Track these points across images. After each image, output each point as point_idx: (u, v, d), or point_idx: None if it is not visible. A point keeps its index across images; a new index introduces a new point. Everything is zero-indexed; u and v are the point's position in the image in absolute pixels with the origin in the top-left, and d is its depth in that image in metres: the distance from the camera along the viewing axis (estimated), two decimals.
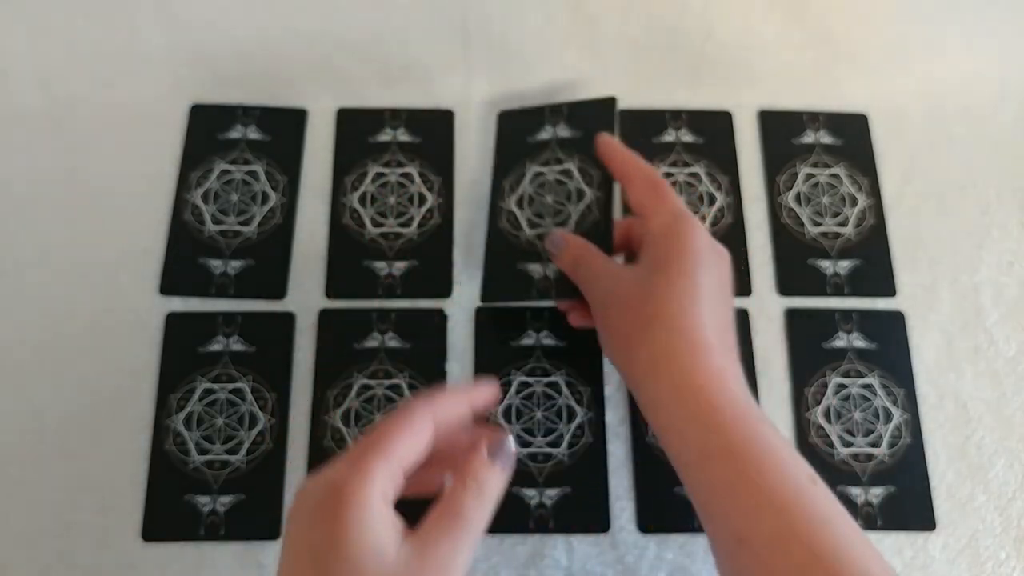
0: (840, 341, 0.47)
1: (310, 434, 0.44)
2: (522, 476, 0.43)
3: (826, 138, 0.52)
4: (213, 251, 0.48)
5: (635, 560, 0.42)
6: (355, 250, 0.48)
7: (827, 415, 0.45)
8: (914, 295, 0.48)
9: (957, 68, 0.53)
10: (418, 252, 0.48)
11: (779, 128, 0.52)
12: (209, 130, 0.50)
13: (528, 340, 0.46)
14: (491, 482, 0.32)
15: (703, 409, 0.34)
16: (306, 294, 0.47)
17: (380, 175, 0.50)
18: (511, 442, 0.33)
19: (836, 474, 0.44)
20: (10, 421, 0.44)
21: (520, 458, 0.44)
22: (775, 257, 0.49)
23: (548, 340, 0.46)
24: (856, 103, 0.52)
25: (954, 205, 0.50)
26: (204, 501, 0.43)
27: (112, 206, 0.48)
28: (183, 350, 0.45)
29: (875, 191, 0.50)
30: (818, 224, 0.49)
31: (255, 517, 0.42)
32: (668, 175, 0.50)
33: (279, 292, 0.47)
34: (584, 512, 0.43)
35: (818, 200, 0.50)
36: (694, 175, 0.50)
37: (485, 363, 0.46)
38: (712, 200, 0.50)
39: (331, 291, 0.47)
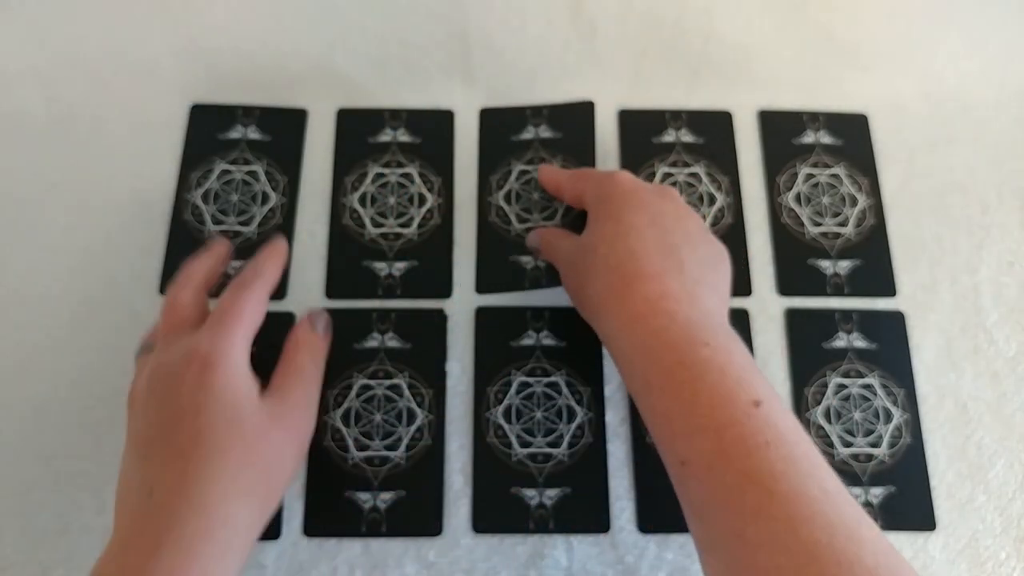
0: (840, 341, 0.47)
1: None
2: (522, 476, 0.43)
3: (826, 138, 0.52)
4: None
5: (635, 560, 0.42)
6: (355, 250, 0.48)
7: (827, 415, 0.45)
8: (914, 295, 0.48)
9: (957, 68, 0.53)
10: (418, 252, 0.48)
11: (779, 128, 0.52)
12: (209, 130, 0.50)
13: (528, 340, 0.46)
14: (319, 345, 0.42)
15: (641, 338, 0.35)
16: (306, 294, 0.47)
17: (380, 175, 0.50)
18: (325, 314, 0.43)
19: (836, 474, 0.44)
20: (10, 421, 0.44)
21: (520, 458, 0.44)
22: (775, 257, 0.49)
23: (548, 340, 0.46)
24: (856, 103, 0.52)
25: (954, 205, 0.50)
26: None
27: (112, 206, 0.48)
28: None
29: (875, 191, 0.50)
30: (818, 224, 0.49)
31: None
32: (668, 175, 0.50)
33: (279, 292, 0.47)
34: (584, 512, 0.43)
35: (818, 200, 0.50)
36: (694, 175, 0.50)
37: (485, 363, 0.46)
38: (712, 200, 0.50)
39: (331, 291, 0.47)
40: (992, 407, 0.46)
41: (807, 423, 0.45)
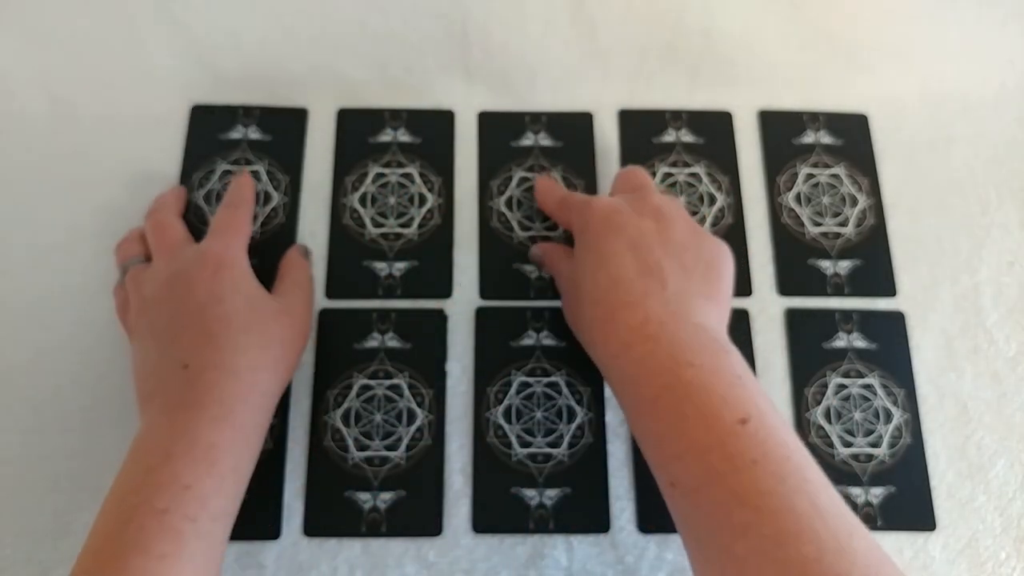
0: (840, 341, 0.47)
1: (310, 434, 0.44)
2: (522, 476, 0.43)
3: (826, 138, 0.52)
4: None
5: (635, 560, 0.42)
6: (355, 250, 0.48)
7: (827, 415, 0.45)
8: (914, 295, 0.48)
9: (957, 68, 0.53)
10: (418, 252, 0.48)
11: (779, 128, 0.52)
12: (210, 131, 0.50)
13: (528, 340, 0.46)
14: (306, 267, 0.46)
15: (628, 367, 0.36)
16: None
17: (380, 175, 0.50)
18: (305, 245, 0.48)
19: (836, 474, 0.44)
20: (10, 421, 0.44)
21: (520, 458, 0.44)
22: (775, 257, 0.49)
23: (548, 340, 0.46)
24: (856, 103, 0.52)
25: (954, 205, 0.50)
26: None
27: (115, 208, 0.48)
28: None
29: (875, 191, 0.50)
30: (818, 224, 0.49)
31: (255, 516, 0.42)
32: (668, 175, 0.50)
33: None
34: (584, 512, 0.43)
35: (818, 200, 0.50)
36: (694, 175, 0.50)
37: (485, 363, 0.46)
38: (712, 200, 0.50)
39: (331, 291, 0.47)
40: (992, 407, 0.46)
41: (807, 423, 0.45)
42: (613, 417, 0.45)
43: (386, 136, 0.51)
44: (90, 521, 0.42)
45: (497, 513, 0.43)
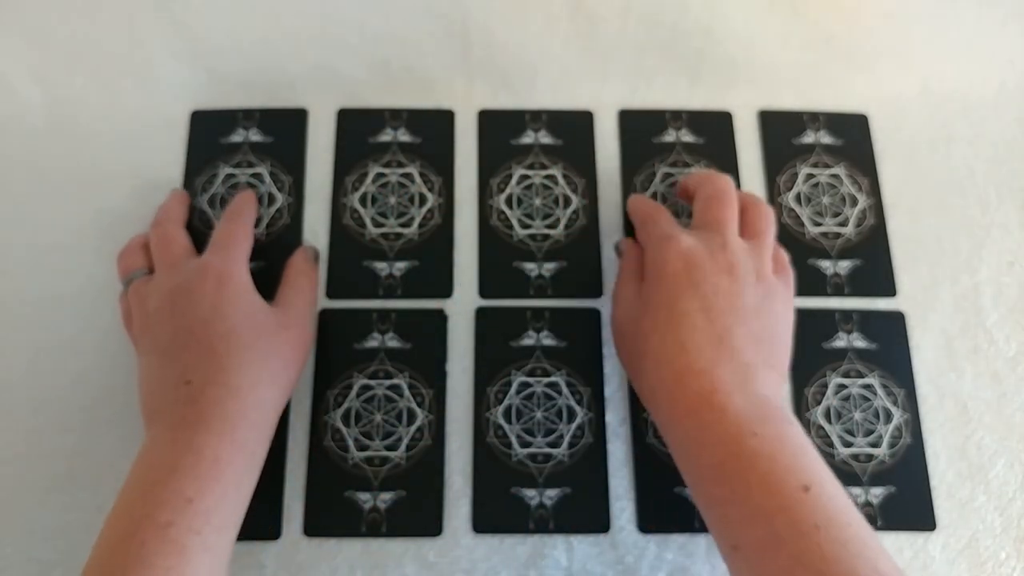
0: (840, 341, 0.47)
1: (310, 434, 0.44)
2: (522, 476, 0.43)
3: (826, 138, 0.52)
4: None
5: (635, 560, 0.42)
6: (356, 250, 0.48)
7: (827, 415, 0.45)
8: (914, 295, 0.48)
9: (957, 68, 0.53)
10: (418, 252, 0.48)
11: (779, 128, 0.52)
12: (211, 135, 0.50)
13: (528, 340, 0.46)
14: (312, 272, 0.46)
15: (693, 432, 0.36)
16: None
17: (381, 175, 0.50)
18: (314, 247, 0.48)
19: (836, 474, 0.44)
20: (11, 421, 0.44)
21: (520, 458, 0.44)
22: None
23: (548, 340, 0.46)
24: (856, 103, 0.52)
25: (954, 205, 0.50)
26: None
27: (115, 210, 0.48)
28: None
29: (875, 191, 0.50)
30: (818, 224, 0.49)
31: (255, 516, 0.42)
32: (668, 175, 0.50)
33: None
34: (584, 512, 0.43)
35: (818, 200, 0.50)
36: (681, 180, 0.50)
37: (485, 363, 0.46)
38: None
39: (332, 291, 0.47)
40: (992, 407, 0.46)
41: (807, 423, 0.45)
42: (613, 417, 0.45)
43: (386, 136, 0.51)
44: (90, 521, 0.42)
45: (497, 513, 0.43)
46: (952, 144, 0.52)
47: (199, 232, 0.48)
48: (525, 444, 0.44)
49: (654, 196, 0.50)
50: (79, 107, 0.50)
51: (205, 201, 0.49)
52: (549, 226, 0.49)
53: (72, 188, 0.49)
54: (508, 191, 0.49)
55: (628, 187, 0.50)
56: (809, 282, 0.48)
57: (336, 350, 0.46)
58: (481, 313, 0.47)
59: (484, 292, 0.47)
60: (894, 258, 0.49)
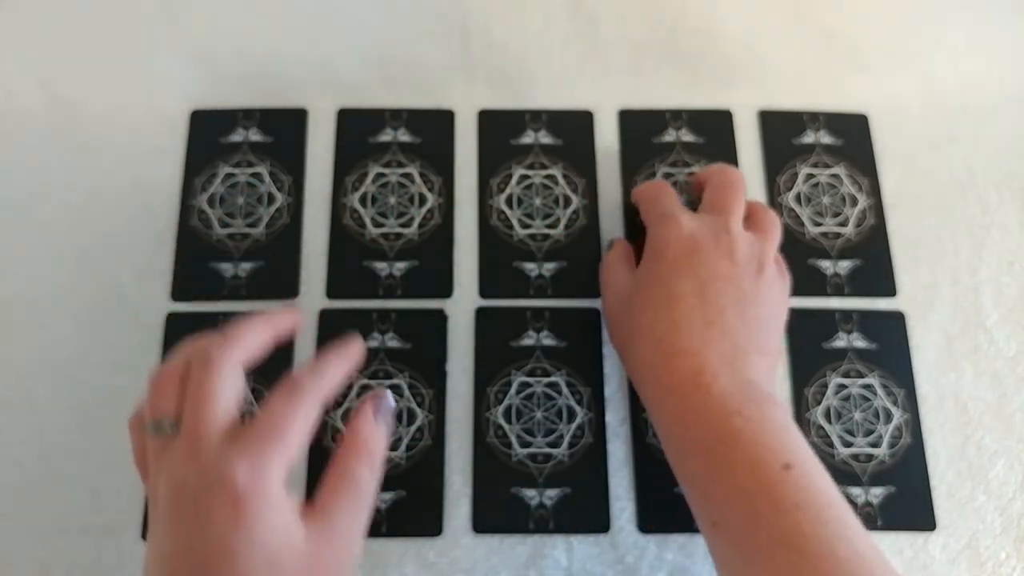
0: (840, 341, 0.47)
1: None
2: (522, 476, 0.43)
3: (826, 138, 0.52)
4: (223, 255, 0.48)
5: (635, 560, 0.42)
6: (356, 250, 0.48)
7: (827, 415, 0.45)
8: (914, 295, 0.48)
9: (957, 68, 0.53)
10: (418, 252, 0.48)
11: (779, 128, 0.52)
12: (210, 134, 0.50)
13: (528, 340, 0.46)
14: (379, 445, 0.34)
15: (677, 410, 0.37)
16: (307, 294, 0.47)
17: (381, 175, 0.50)
18: (390, 398, 0.36)
19: (836, 474, 0.43)
20: (11, 421, 0.44)
21: (520, 458, 0.44)
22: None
23: (548, 340, 0.46)
24: (856, 103, 0.52)
25: (954, 205, 0.50)
26: None
27: (115, 211, 0.48)
28: None
29: (875, 191, 0.50)
30: (818, 224, 0.49)
31: None
32: (668, 175, 0.50)
33: (291, 291, 0.47)
34: (584, 512, 0.43)
35: (818, 200, 0.50)
36: (694, 175, 0.50)
37: (485, 363, 0.46)
38: None
39: (331, 291, 0.47)
40: (992, 407, 0.46)
41: (807, 423, 0.45)
42: (613, 417, 0.45)
43: (386, 136, 0.51)
44: (90, 521, 0.42)
45: (497, 513, 0.43)
46: (952, 144, 0.52)
47: (203, 235, 0.48)
48: (525, 444, 0.44)
49: None
50: (79, 107, 0.50)
51: (204, 201, 0.49)
52: (549, 226, 0.49)
53: (72, 188, 0.49)
54: (508, 191, 0.49)
55: (628, 187, 0.50)
56: (809, 282, 0.48)
57: None
58: (481, 313, 0.47)
59: (484, 292, 0.47)
60: (894, 258, 0.49)
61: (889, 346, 0.47)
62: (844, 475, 0.44)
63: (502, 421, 0.44)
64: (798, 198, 0.50)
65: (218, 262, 0.47)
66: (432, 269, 0.48)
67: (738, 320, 0.38)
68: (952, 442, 0.45)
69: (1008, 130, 0.52)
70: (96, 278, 0.47)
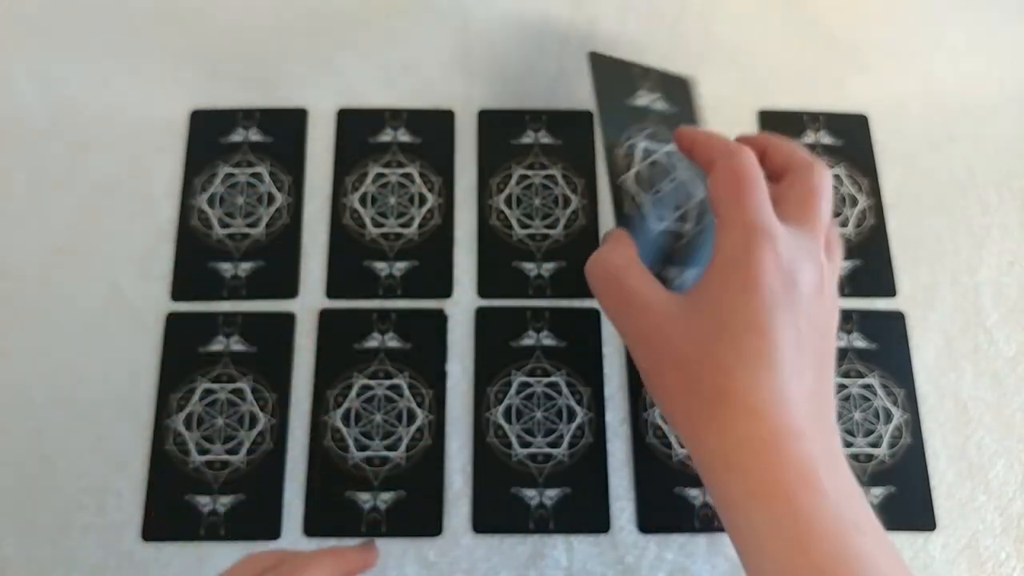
0: (840, 341, 0.47)
1: (310, 434, 0.44)
2: (522, 476, 0.43)
3: (826, 138, 0.52)
4: (222, 255, 0.48)
5: (635, 560, 0.42)
6: (355, 250, 0.48)
7: None
8: (914, 295, 0.48)
9: (957, 68, 0.53)
10: (418, 252, 0.48)
11: (779, 128, 0.52)
12: (210, 134, 0.50)
13: (528, 340, 0.46)
14: None
15: (787, 517, 0.28)
16: (306, 294, 0.47)
17: (380, 175, 0.50)
18: (373, 550, 0.36)
19: None
20: (11, 421, 0.44)
21: (520, 458, 0.44)
22: None
23: (548, 340, 0.46)
24: (856, 103, 0.52)
25: (954, 205, 0.50)
26: (204, 501, 0.43)
27: (115, 211, 0.48)
28: (183, 350, 0.45)
29: (875, 191, 0.50)
30: None
31: (255, 517, 0.43)
32: None
33: (291, 291, 0.47)
34: (584, 512, 0.43)
35: None
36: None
37: (485, 363, 0.46)
38: None
39: (331, 291, 0.47)
40: (992, 407, 0.46)
41: None
42: (613, 417, 0.45)
43: (386, 136, 0.51)
44: (90, 521, 0.42)
45: (497, 513, 0.43)
46: (952, 144, 0.52)
47: (202, 234, 0.48)
48: (525, 444, 0.44)
49: None
50: (79, 107, 0.50)
51: (204, 201, 0.49)
52: (548, 226, 0.49)
53: (72, 188, 0.49)
54: (508, 191, 0.49)
55: None
56: None
57: (336, 350, 0.46)
58: (481, 313, 0.47)
59: (484, 292, 0.47)
60: (894, 258, 0.49)
61: (889, 346, 0.47)
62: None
63: (502, 421, 0.44)
64: None
65: (218, 262, 0.47)
66: (432, 269, 0.48)
67: (832, 382, 0.31)
68: (952, 442, 0.45)
69: (1008, 130, 0.52)
70: (96, 278, 0.47)
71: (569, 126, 0.51)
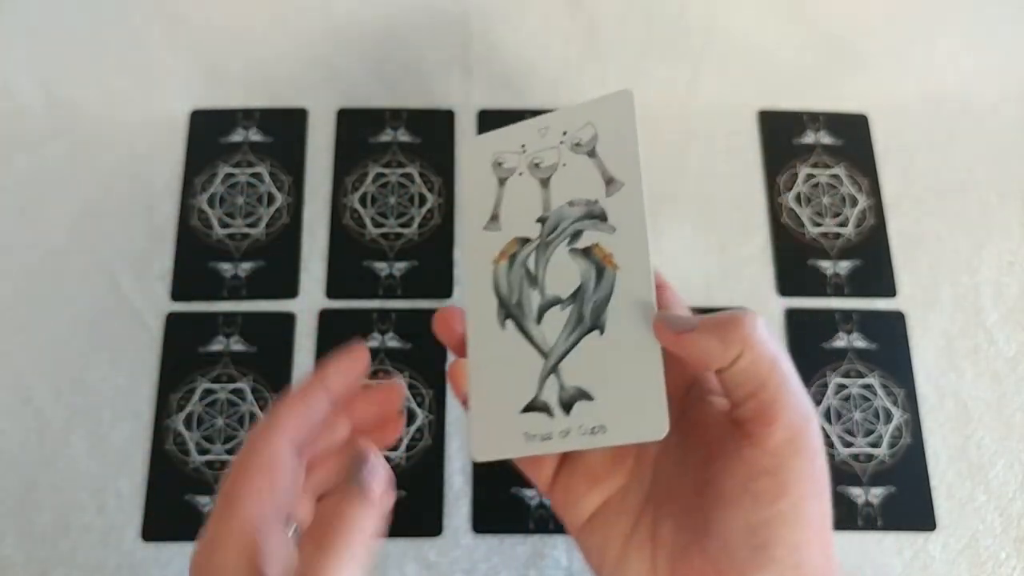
0: (840, 341, 0.47)
1: None
2: (522, 476, 0.43)
3: (826, 138, 0.52)
4: (222, 255, 0.48)
5: None
6: (356, 250, 0.48)
7: (827, 415, 0.45)
8: (914, 295, 0.48)
9: (957, 68, 0.53)
10: (418, 252, 0.48)
11: (779, 128, 0.52)
12: (211, 134, 0.50)
13: None
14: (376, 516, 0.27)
15: None
16: (307, 294, 0.47)
17: (380, 175, 0.50)
18: (379, 464, 0.28)
19: (836, 474, 0.44)
20: (11, 421, 0.44)
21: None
22: (775, 257, 0.49)
23: None
24: (856, 103, 0.52)
25: (954, 205, 0.50)
26: (204, 501, 0.43)
27: (117, 213, 0.48)
28: (183, 350, 0.45)
29: (875, 191, 0.50)
30: (818, 224, 0.49)
31: None
32: None
33: (291, 291, 0.47)
34: None
35: (818, 200, 0.50)
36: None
37: None
38: None
39: (331, 291, 0.47)
40: (992, 407, 0.46)
41: None
42: None
43: (386, 136, 0.51)
44: (90, 521, 0.42)
45: (497, 513, 0.43)
46: (952, 144, 0.52)
47: (202, 234, 0.48)
48: None
49: None
50: (79, 107, 0.50)
51: (204, 201, 0.49)
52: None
53: (72, 188, 0.49)
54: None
55: None
56: (809, 282, 0.48)
57: (336, 350, 0.46)
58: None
59: None
60: (894, 258, 0.49)
61: (889, 346, 0.47)
62: (844, 475, 0.44)
63: None
64: (798, 198, 0.50)
65: (218, 262, 0.47)
66: (432, 269, 0.48)
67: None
68: (952, 442, 0.45)
69: (1008, 130, 0.52)
70: (96, 278, 0.47)
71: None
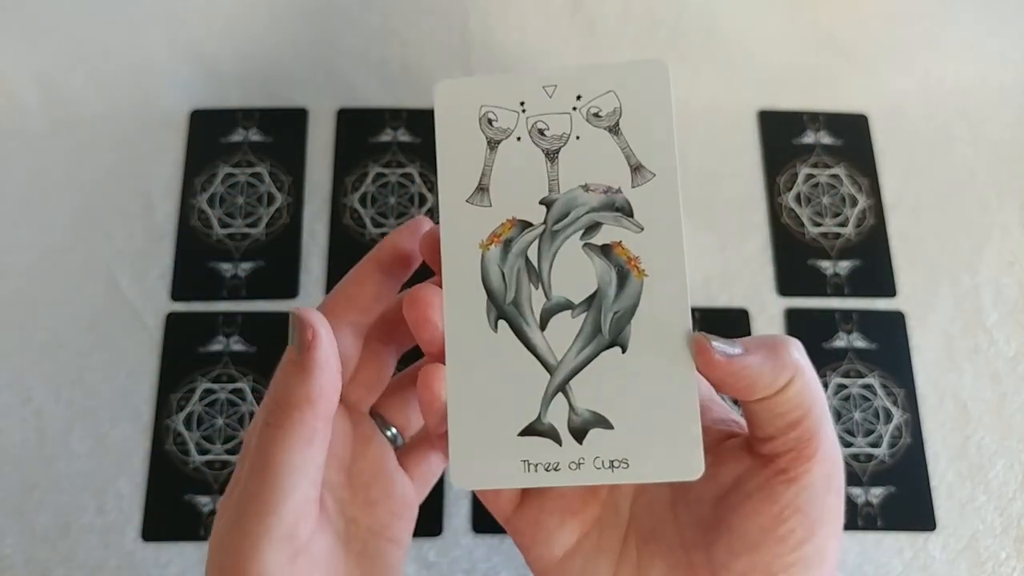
0: (840, 341, 0.47)
1: None
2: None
3: (826, 138, 0.52)
4: (222, 255, 0.48)
5: None
6: (355, 250, 0.48)
7: None
8: (914, 295, 0.48)
9: (957, 68, 0.53)
10: None
11: (779, 128, 0.52)
12: (211, 134, 0.50)
13: None
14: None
15: None
16: (306, 294, 0.47)
17: (380, 175, 0.50)
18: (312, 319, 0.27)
19: None
20: (11, 421, 0.44)
21: None
22: (775, 257, 0.49)
23: None
24: (856, 103, 0.52)
25: (954, 205, 0.50)
26: (204, 501, 0.43)
27: (117, 213, 0.48)
28: (183, 350, 0.45)
29: (875, 191, 0.50)
30: (818, 224, 0.49)
31: None
32: None
33: (291, 291, 0.47)
34: None
35: (818, 200, 0.50)
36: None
37: None
38: None
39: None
40: (992, 407, 0.46)
41: None
42: None
43: (386, 136, 0.51)
44: (90, 521, 0.42)
45: None
46: (952, 144, 0.52)
47: (202, 234, 0.48)
48: None
49: None
50: (79, 107, 0.50)
51: (204, 201, 0.49)
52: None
53: (72, 188, 0.49)
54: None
55: None
56: (809, 282, 0.48)
57: None
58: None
59: None
60: (894, 258, 0.49)
61: (889, 346, 0.47)
62: (844, 475, 0.44)
63: None
64: (798, 198, 0.50)
65: (218, 262, 0.47)
66: (432, 269, 0.47)
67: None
68: (952, 442, 0.45)
69: (1008, 130, 0.52)
70: (96, 278, 0.47)
71: None
